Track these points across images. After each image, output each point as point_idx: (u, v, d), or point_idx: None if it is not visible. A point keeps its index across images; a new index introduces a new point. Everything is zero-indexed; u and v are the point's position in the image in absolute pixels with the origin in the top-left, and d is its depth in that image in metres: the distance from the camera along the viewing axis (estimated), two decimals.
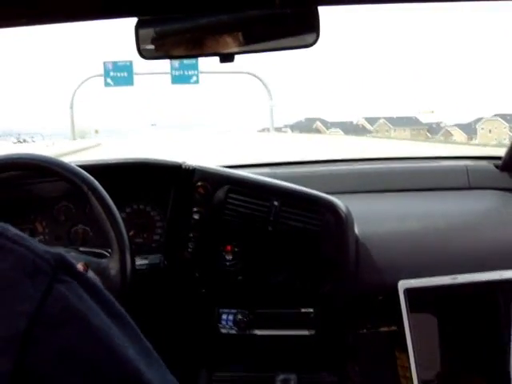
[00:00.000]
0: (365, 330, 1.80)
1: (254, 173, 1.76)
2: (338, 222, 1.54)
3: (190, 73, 19.62)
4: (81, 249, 1.44)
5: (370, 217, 1.74)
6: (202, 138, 30.21)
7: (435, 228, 1.67)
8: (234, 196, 1.58)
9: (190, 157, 1.76)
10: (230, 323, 1.64)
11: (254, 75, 21.94)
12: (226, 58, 1.20)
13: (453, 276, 1.46)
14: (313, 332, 1.62)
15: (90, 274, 1.25)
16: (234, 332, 1.65)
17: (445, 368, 1.48)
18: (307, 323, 1.62)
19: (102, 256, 1.35)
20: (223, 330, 1.66)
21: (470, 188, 1.95)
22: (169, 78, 19.59)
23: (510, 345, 1.45)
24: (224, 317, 1.65)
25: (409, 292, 1.47)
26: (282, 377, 1.63)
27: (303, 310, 1.62)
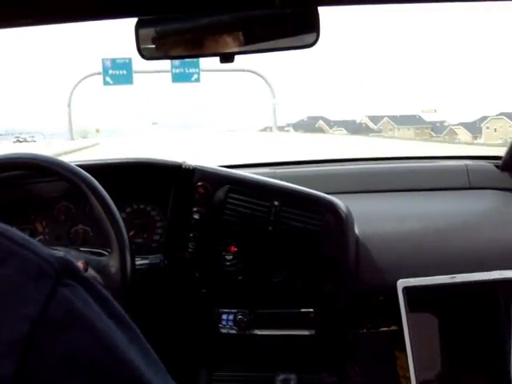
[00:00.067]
0: (365, 330, 1.81)
1: (254, 173, 1.77)
2: (339, 221, 1.55)
3: (191, 71, 19.51)
4: (81, 249, 1.44)
5: (370, 217, 1.74)
6: (203, 138, 30.08)
7: (435, 228, 1.67)
8: (234, 196, 1.59)
9: (191, 157, 1.76)
10: (230, 323, 1.66)
11: (257, 73, 21.90)
12: (226, 58, 1.21)
13: (452, 275, 1.47)
14: (313, 332, 1.63)
15: (90, 271, 1.26)
16: (234, 332, 1.66)
17: (444, 368, 1.49)
18: (307, 323, 1.63)
19: (102, 255, 1.36)
20: (223, 330, 1.67)
21: (470, 188, 1.95)
22: (169, 76, 19.51)
23: (510, 344, 1.46)
24: (224, 317, 1.66)
25: (408, 291, 1.48)
26: (282, 377, 1.64)
27: (303, 310, 1.63)
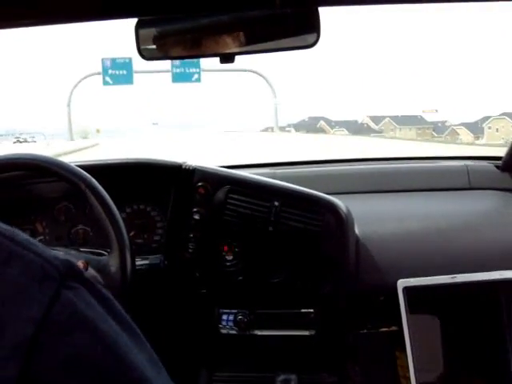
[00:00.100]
0: (365, 330, 1.81)
1: (254, 173, 1.77)
2: (339, 222, 1.55)
3: (191, 70, 19.44)
4: (81, 249, 1.45)
5: (371, 217, 1.75)
6: (204, 138, 30.05)
7: (436, 228, 1.68)
8: (235, 196, 1.59)
9: (193, 158, 1.76)
10: (231, 323, 1.66)
11: (258, 73, 21.87)
12: (227, 58, 1.21)
13: (452, 275, 1.47)
14: (313, 332, 1.64)
15: (90, 271, 1.26)
16: (234, 332, 1.67)
17: (445, 368, 1.49)
18: (307, 323, 1.64)
19: (102, 255, 1.36)
20: (223, 331, 1.67)
21: (470, 188, 1.96)
22: (170, 76, 19.47)
23: (511, 344, 1.46)
24: (224, 317, 1.67)
25: (408, 291, 1.48)
26: (282, 377, 1.65)
27: (303, 311, 1.63)
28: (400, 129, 65.05)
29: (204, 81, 19.92)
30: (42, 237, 1.68)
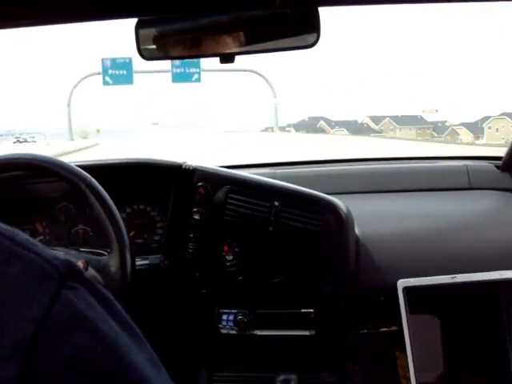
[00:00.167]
0: (365, 330, 1.81)
1: (254, 173, 1.78)
2: (339, 222, 1.56)
3: (191, 70, 19.42)
4: (81, 249, 1.45)
5: (371, 217, 1.75)
6: (204, 138, 30.06)
7: (436, 228, 1.68)
8: (235, 196, 1.59)
9: (193, 158, 1.76)
10: (231, 323, 1.67)
11: (258, 73, 21.87)
12: (227, 58, 1.21)
13: (452, 275, 1.47)
14: (313, 332, 1.64)
15: (90, 271, 1.26)
16: (234, 332, 1.67)
17: (445, 368, 1.49)
18: (307, 323, 1.64)
19: (102, 255, 1.36)
20: (223, 331, 1.67)
21: (470, 188, 1.96)
22: (170, 76, 19.47)
23: (511, 344, 1.46)
24: (224, 317, 1.67)
25: (408, 291, 1.49)
26: (282, 377, 1.65)
27: (303, 311, 1.63)
28: (400, 129, 65.11)
29: (204, 81, 19.93)
30: (41, 237, 1.68)
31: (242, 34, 1.18)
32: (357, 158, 2.67)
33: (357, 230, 1.62)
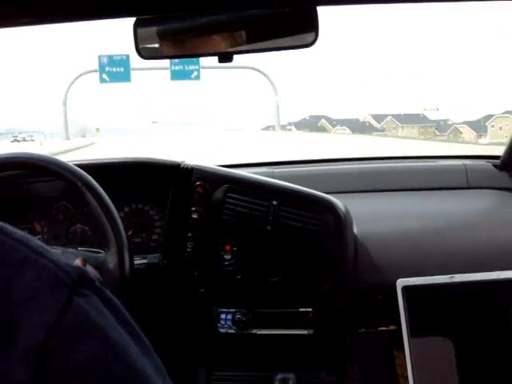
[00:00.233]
0: (363, 330, 1.83)
1: (252, 172, 1.79)
2: (337, 221, 1.56)
3: (190, 68, 19.27)
4: (79, 248, 1.46)
5: (369, 216, 1.76)
6: (204, 137, 29.94)
7: (434, 227, 1.69)
8: (233, 195, 1.60)
9: (192, 157, 1.77)
10: (229, 323, 1.68)
11: (259, 70, 21.80)
12: (225, 57, 1.22)
13: (451, 275, 1.48)
14: (311, 331, 1.65)
15: (89, 268, 1.27)
16: (232, 331, 1.68)
17: (443, 367, 1.50)
18: (306, 323, 1.65)
19: (100, 253, 1.37)
20: (222, 330, 1.69)
21: (468, 187, 1.98)
22: (168, 73, 19.37)
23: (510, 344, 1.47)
24: (223, 316, 1.68)
25: (407, 290, 1.50)
26: (280, 376, 1.66)
27: (302, 310, 1.65)
28: (402, 127, 65.03)
29: (203, 78, 19.84)
30: (40, 236, 1.69)
31: (240, 33, 1.19)
32: (355, 157, 2.67)
33: (355, 229, 1.63)
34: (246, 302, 1.68)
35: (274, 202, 1.58)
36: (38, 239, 1.30)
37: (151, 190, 1.70)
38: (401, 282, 1.51)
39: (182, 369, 1.71)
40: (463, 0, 1.22)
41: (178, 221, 1.65)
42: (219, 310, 1.69)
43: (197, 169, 1.65)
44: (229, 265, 1.62)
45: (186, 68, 19.28)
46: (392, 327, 1.73)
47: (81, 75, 22.37)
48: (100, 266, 1.29)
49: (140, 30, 1.19)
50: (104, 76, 19.78)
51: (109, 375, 0.43)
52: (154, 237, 1.71)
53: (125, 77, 20.06)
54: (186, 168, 1.65)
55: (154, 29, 1.21)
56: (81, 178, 1.30)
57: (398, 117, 67.42)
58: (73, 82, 22.50)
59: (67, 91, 22.44)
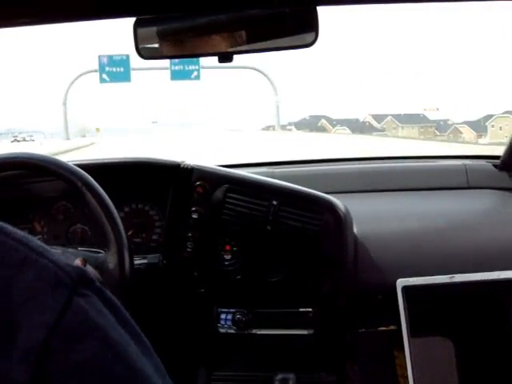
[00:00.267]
0: (364, 330, 1.83)
1: (252, 172, 1.79)
2: (337, 221, 1.56)
3: (190, 68, 19.28)
4: (79, 248, 1.46)
5: (369, 216, 1.76)
6: (203, 137, 29.92)
7: (434, 227, 1.69)
8: (233, 195, 1.60)
9: (192, 158, 1.77)
10: (229, 323, 1.68)
11: (259, 70, 21.80)
12: (225, 57, 1.22)
13: (451, 275, 1.49)
14: (311, 331, 1.65)
15: (89, 268, 1.28)
16: (232, 331, 1.68)
17: (443, 367, 1.50)
18: (306, 323, 1.65)
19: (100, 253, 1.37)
20: (222, 330, 1.69)
21: (468, 187, 1.98)
22: (168, 73, 19.37)
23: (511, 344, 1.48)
24: (223, 316, 1.69)
25: (407, 290, 1.50)
26: (280, 376, 1.66)
27: (302, 310, 1.65)
28: (402, 127, 65.07)
29: (204, 78, 19.84)
30: (40, 236, 1.69)
31: (240, 33, 1.19)
32: (355, 157, 2.68)
33: (355, 229, 1.63)
34: (246, 302, 1.68)
35: (274, 202, 1.58)
36: (38, 239, 1.30)
37: (151, 190, 1.70)
38: (401, 282, 1.51)
39: (182, 369, 1.72)
40: (463, 0, 1.22)
41: (178, 221, 1.65)
42: (219, 310, 1.69)
43: (197, 169, 1.65)
44: (229, 265, 1.62)
45: (186, 68, 19.29)
46: (392, 327, 1.74)
47: (81, 75, 22.39)
48: (100, 266, 1.29)
49: (140, 30, 1.19)
50: (104, 76, 19.79)
51: (109, 375, 0.43)
52: (154, 237, 1.71)
53: (125, 77, 20.07)
54: (186, 168, 1.66)
55: (154, 29, 1.21)
56: (81, 177, 1.31)
57: (398, 117, 67.48)
58: (73, 82, 22.52)
59: (67, 91, 22.46)
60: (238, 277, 1.61)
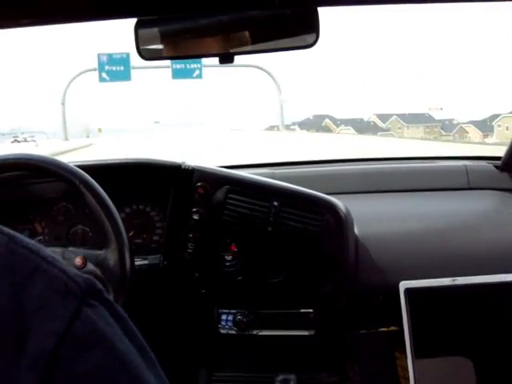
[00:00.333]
0: (364, 331, 1.84)
1: (253, 173, 1.80)
2: (338, 222, 1.58)
3: (192, 66, 19.18)
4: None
5: (370, 217, 1.77)
6: (206, 138, 29.81)
7: (435, 228, 1.70)
8: (234, 196, 1.62)
9: (197, 159, 1.78)
10: (230, 323, 1.69)
11: (262, 68, 21.73)
12: (226, 58, 1.23)
13: (453, 278, 1.49)
14: (312, 332, 1.66)
15: (89, 266, 1.29)
16: (233, 332, 1.69)
17: (444, 369, 1.51)
18: (307, 323, 1.66)
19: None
20: (223, 331, 1.70)
21: (469, 188, 1.99)
22: (169, 71, 19.27)
23: None
24: (224, 317, 1.70)
25: (409, 292, 1.50)
26: (281, 377, 1.66)
27: (303, 311, 1.66)
28: (407, 127, 64.91)
29: (206, 77, 19.73)
30: (40, 237, 1.70)
31: (241, 34, 1.20)
32: (356, 157, 2.69)
33: (356, 230, 1.64)
34: (247, 303, 1.69)
35: (275, 203, 1.59)
36: (39, 240, 1.32)
37: (152, 190, 1.71)
38: (403, 285, 1.51)
39: (182, 369, 1.73)
40: (465, 0, 1.23)
41: (178, 222, 1.66)
42: (220, 310, 1.70)
43: (198, 170, 1.66)
44: (230, 266, 1.63)
45: (188, 67, 19.18)
46: (393, 328, 1.75)
47: (79, 74, 22.30)
48: (100, 264, 1.30)
49: (141, 31, 1.20)
50: (104, 75, 19.68)
51: None
52: (155, 238, 1.73)
53: (125, 75, 19.94)
54: (187, 169, 1.67)
55: (156, 30, 1.22)
56: (80, 178, 1.32)
57: (402, 116, 67.26)
58: (71, 82, 22.45)
59: (65, 91, 22.39)
60: (239, 278, 1.63)
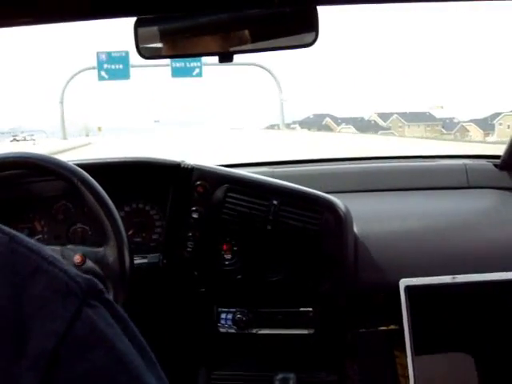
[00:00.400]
0: (364, 329, 1.84)
1: (252, 172, 1.81)
2: (337, 221, 1.58)
3: (192, 65, 19.10)
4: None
5: (370, 216, 1.78)
6: (206, 136, 29.75)
7: (434, 227, 1.71)
8: (233, 195, 1.62)
9: (197, 158, 1.78)
10: (229, 322, 1.70)
11: (262, 67, 21.67)
12: (225, 57, 1.24)
13: (453, 276, 1.50)
14: (312, 331, 1.67)
15: (89, 263, 1.30)
16: (233, 331, 1.70)
17: (445, 367, 1.51)
18: (306, 322, 1.67)
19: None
20: (222, 329, 1.70)
21: (469, 187, 1.99)
22: (169, 70, 19.20)
23: None
24: (223, 316, 1.70)
25: (409, 290, 1.51)
26: (280, 376, 1.67)
27: (302, 309, 1.67)
28: (408, 126, 64.91)
29: (206, 75, 19.68)
30: (40, 235, 1.70)
31: (240, 32, 1.20)
32: (356, 156, 2.69)
33: (355, 229, 1.65)
34: (246, 302, 1.70)
35: (275, 202, 1.59)
36: (38, 239, 1.32)
37: (151, 189, 1.72)
38: (403, 282, 1.51)
39: (182, 368, 1.74)
40: (464, 0, 1.24)
41: (178, 220, 1.66)
42: (219, 309, 1.71)
43: (197, 168, 1.67)
44: (229, 264, 1.64)
45: (188, 65, 19.07)
46: (392, 327, 1.75)
47: (78, 73, 22.23)
48: (100, 261, 1.31)
49: (141, 30, 1.20)
50: (103, 73, 19.57)
51: None
52: (155, 236, 1.73)
53: (124, 74, 19.83)
54: (187, 168, 1.67)
55: (155, 28, 1.22)
56: (78, 176, 1.33)
57: (403, 115, 67.25)
58: (69, 81, 22.38)
59: (64, 90, 22.33)
60: (239, 276, 1.63)
